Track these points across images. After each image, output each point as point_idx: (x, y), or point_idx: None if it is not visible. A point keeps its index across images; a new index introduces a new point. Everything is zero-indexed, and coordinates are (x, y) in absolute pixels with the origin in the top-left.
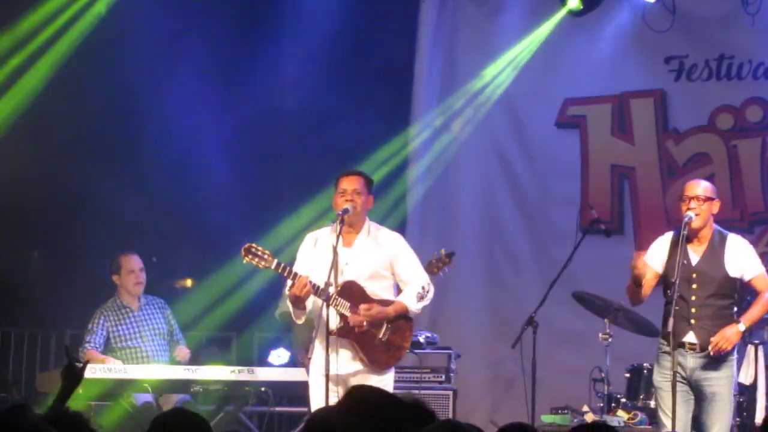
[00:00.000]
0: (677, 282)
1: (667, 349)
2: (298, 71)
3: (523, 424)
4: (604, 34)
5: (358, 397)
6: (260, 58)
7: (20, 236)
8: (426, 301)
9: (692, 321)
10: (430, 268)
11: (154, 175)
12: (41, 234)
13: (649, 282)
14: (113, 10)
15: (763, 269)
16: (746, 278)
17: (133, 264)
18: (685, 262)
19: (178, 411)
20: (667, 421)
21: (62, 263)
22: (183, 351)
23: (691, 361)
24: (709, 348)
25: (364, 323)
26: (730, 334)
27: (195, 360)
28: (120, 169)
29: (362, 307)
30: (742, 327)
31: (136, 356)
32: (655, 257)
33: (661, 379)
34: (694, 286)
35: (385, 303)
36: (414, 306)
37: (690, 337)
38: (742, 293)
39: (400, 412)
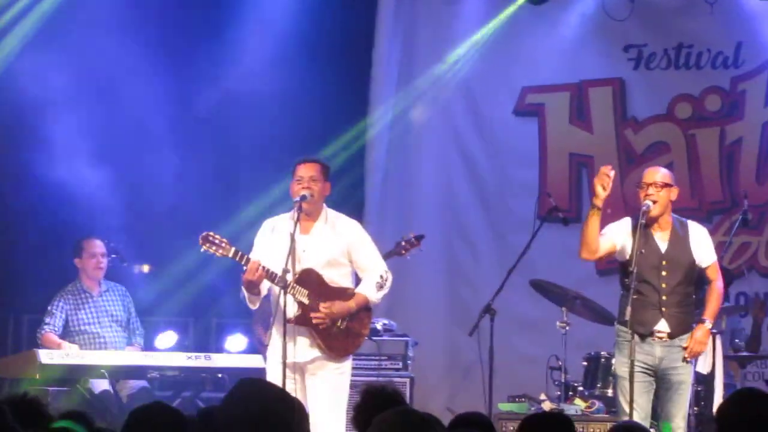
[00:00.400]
0: (635, 271)
1: (628, 337)
2: (256, 57)
3: (478, 413)
4: (563, 22)
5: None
6: (218, 43)
7: None
8: (385, 290)
9: (663, 309)
10: (398, 249)
11: (112, 159)
12: None
13: (602, 246)
14: None
15: (715, 258)
16: (702, 265)
17: (95, 248)
18: (645, 249)
19: (157, 405)
20: (627, 409)
21: (21, 247)
22: (135, 349)
23: (659, 350)
24: (685, 354)
25: (327, 321)
26: (701, 337)
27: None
28: (79, 152)
29: (322, 305)
30: (708, 325)
31: (93, 342)
32: (613, 235)
33: (623, 368)
34: (664, 273)
35: (345, 295)
36: (374, 296)
37: (661, 325)
38: (698, 281)
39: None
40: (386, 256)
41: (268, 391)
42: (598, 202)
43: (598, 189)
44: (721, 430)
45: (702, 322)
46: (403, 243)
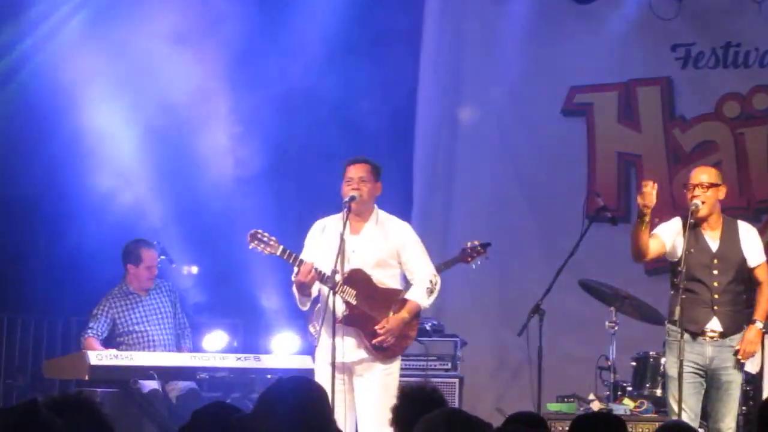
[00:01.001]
0: (683, 270)
1: (680, 337)
2: (305, 58)
3: (531, 413)
4: (610, 22)
5: None
6: (269, 44)
7: (26, 223)
8: (435, 295)
9: (715, 307)
10: (464, 257)
11: (159, 157)
12: (47, 220)
13: (652, 248)
14: None
15: (765, 258)
16: (751, 265)
17: (153, 260)
18: (695, 249)
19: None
20: (677, 410)
21: (72, 249)
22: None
23: (710, 349)
24: (739, 356)
25: (389, 338)
26: (753, 337)
27: None
28: (127, 150)
29: (379, 325)
30: (760, 325)
31: (142, 341)
32: (663, 236)
33: (673, 367)
34: (716, 272)
35: (394, 296)
36: (425, 302)
37: (713, 324)
38: (749, 280)
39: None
40: (451, 263)
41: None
42: (646, 218)
43: (643, 209)
44: (763, 427)
45: (753, 322)
46: (469, 250)
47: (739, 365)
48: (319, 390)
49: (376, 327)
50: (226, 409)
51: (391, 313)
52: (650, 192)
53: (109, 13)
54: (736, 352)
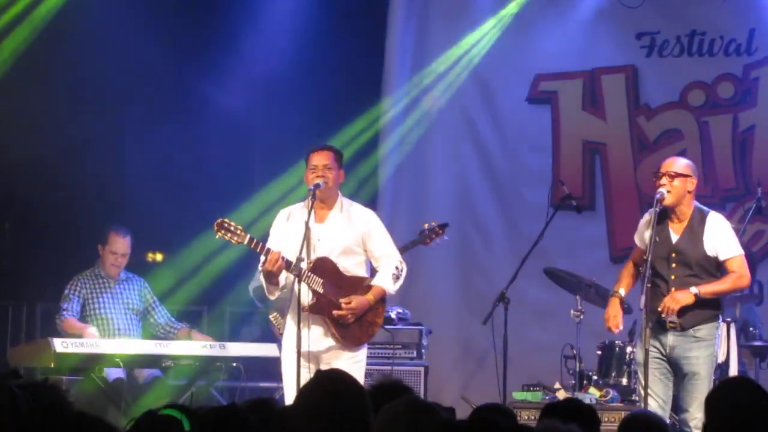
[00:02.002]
0: (649, 259)
1: (646, 324)
2: (269, 45)
3: (499, 405)
4: (576, 10)
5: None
6: (231, 31)
7: None
8: (401, 281)
9: None
10: (422, 238)
11: (124, 146)
12: (12, 206)
13: (639, 261)
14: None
15: (740, 252)
16: (720, 258)
17: (119, 247)
18: (660, 240)
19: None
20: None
21: (34, 236)
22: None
23: (672, 338)
24: (659, 309)
25: (349, 316)
26: (679, 296)
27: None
28: (93, 144)
29: (343, 301)
30: (694, 290)
31: (107, 327)
32: (640, 239)
33: (641, 355)
34: (673, 264)
35: (360, 284)
36: (391, 288)
37: (672, 316)
38: (720, 272)
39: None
40: (410, 245)
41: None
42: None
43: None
44: (710, 418)
45: (690, 288)
46: (427, 231)
47: (705, 356)
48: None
49: (340, 300)
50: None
51: None
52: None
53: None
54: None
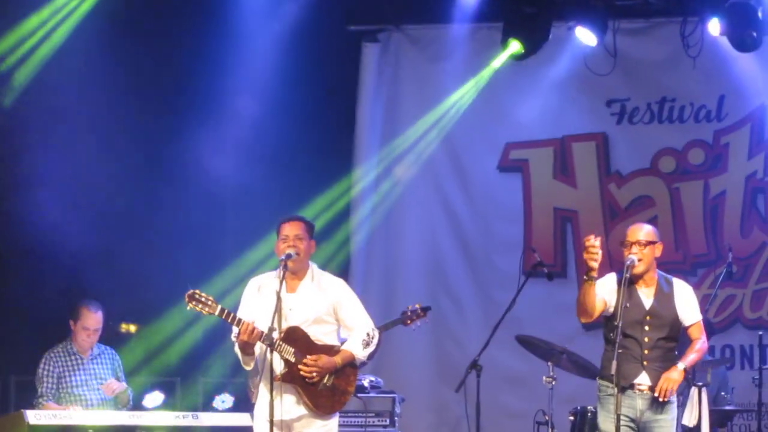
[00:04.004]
0: (620, 325)
1: (612, 391)
2: (240, 115)
3: None
4: (545, 78)
5: None
6: (201, 99)
7: None
8: (372, 348)
9: (645, 363)
10: (404, 319)
11: (102, 219)
12: None
13: (597, 306)
14: None
15: (700, 317)
16: (686, 324)
17: (91, 322)
18: (629, 304)
19: None
20: None
21: (5, 308)
22: (113, 385)
23: (641, 402)
24: (656, 393)
25: (314, 374)
26: (673, 376)
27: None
28: (66, 212)
29: (309, 358)
30: (681, 366)
31: (81, 405)
32: (602, 292)
33: (607, 422)
34: (647, 327)
35: (331, 351)
36: (360, 353)
37: (642, 379)
38: (682, 337)
39: None
40: (391, 325)
41: None
42: (593, 273)
43: (591, 263)
44: None
45: (676, 364)
46: (409, 313)
47: (671, 419)
48: None
49: (307, 357)
50: None
51: None
52: (595, 246)
53: None
54: (657, 399)
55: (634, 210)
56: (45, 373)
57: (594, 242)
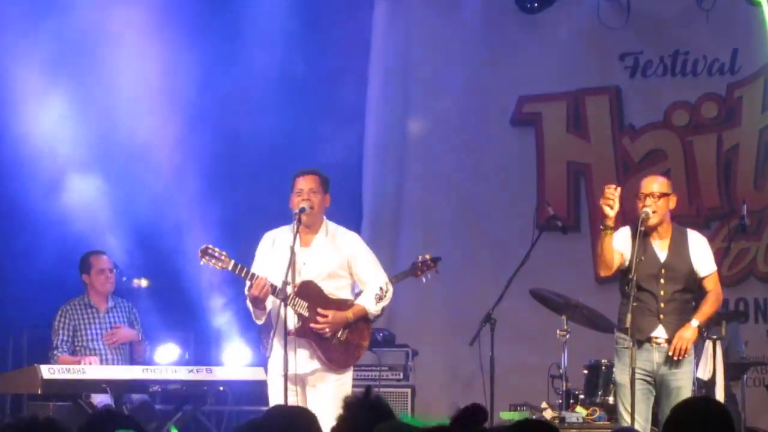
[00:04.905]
0: (634, 278)
1: (628, 344)
2: (252, 64)
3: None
4: (558, 32)
5: None
6: (214, 46)
7: None
8: (385, 302)
9: (660, 316)
10: (414, 270)
11: (110, 170)
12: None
13: (615, 260)
14: None
15: (715, 268)
16: (701, 275)
17: (103, 264)
18: (644, 257)
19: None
20: (627, 417)
21: (20, 261)
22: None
23: (658, 356)
24: (669, 352)
25: (326, 329)
26: (686, 335)
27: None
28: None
29: (321, 313)
30: (695, 323)
31: (97, 359)
32: (617, 246)
33: (623, 375)
34: (662, 281)
35: (344, 306)
36: (373, 308)
37: (659, 332)
38: (699, 289)
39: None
40: (401, 276)
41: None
42: (610, 223)
43: (606, 210)
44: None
45: (689, 321)
46: (419, 264)
47: (688, 371)
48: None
49: (318, 310)
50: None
51: None
52: (614, 195)
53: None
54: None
55: (647, 163)
56: (60, 325)
57: (613, 190)
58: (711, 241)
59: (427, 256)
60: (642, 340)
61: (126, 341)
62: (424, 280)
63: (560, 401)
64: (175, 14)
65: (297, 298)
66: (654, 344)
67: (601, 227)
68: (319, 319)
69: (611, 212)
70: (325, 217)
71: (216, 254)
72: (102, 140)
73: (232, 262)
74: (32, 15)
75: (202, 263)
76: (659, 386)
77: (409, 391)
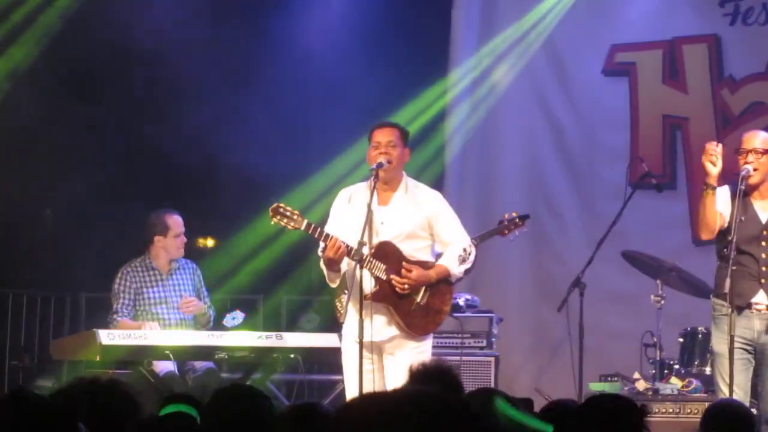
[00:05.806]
0: (734, 240)
1: (726, 311)
2: (330, 16)
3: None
4: None
5: None
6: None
7: (32, 195)
8: (468, 264)
9: (762, 280)
10: (501, 229)
11: (173, 133)
12: (54, 191)
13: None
14: None
15: None
16: None
17: (180, 227)
18: (744, 218)
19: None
20: (726, 389)
21: (76, 223)
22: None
23: (758, 323)
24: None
25: (406, 286)
26: None
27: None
28: (137, 129)
29: (405, 267)
30: None
31: (159, 324)
32: (718, 202)
33: (721, 343)
34: (764, 243)
35: (426, 266)
36: (456, 269)
37: (760, 297)
38: None
39: None
40: (487, 235)
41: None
42: (712, 181)
43: (709, 167)
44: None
45: None
46: (506, 222)
47: None
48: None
49: (404, 264)
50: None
51: (425, 287)
52: (717, 152)
53: None
54: None
55: (747, 117)
56: (121, 288)
57: (715, 147)
58: None
59: (514, 214)
60: (741, 306)
61: (198, 313)
62: (511, 238)
63: (654, 371)
64: None
65: (374, 260)
66: (754, 310)
67: (702, 186)
68: (403, 272)
69: (714, 170)
70: (404, 173)
71: (288, 213)
72: None
73: (305, 221)
74: None
75: (273, 222)
76: (759, 356)
77: (492, 360)
